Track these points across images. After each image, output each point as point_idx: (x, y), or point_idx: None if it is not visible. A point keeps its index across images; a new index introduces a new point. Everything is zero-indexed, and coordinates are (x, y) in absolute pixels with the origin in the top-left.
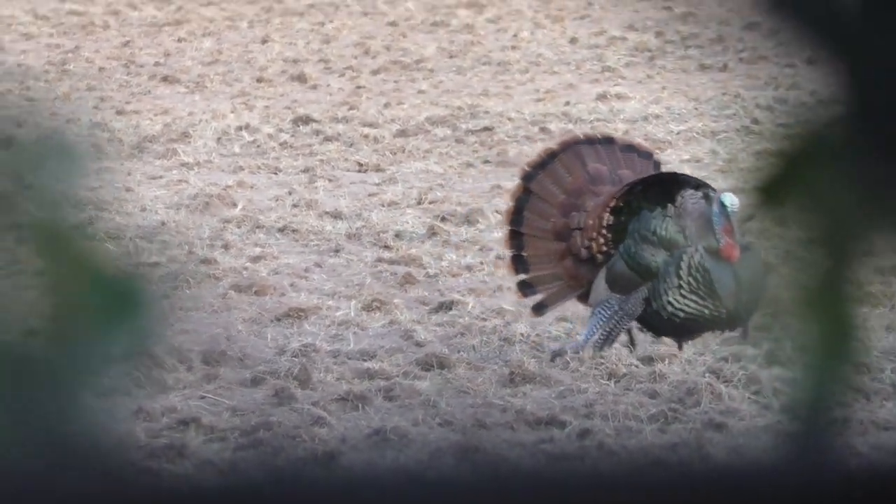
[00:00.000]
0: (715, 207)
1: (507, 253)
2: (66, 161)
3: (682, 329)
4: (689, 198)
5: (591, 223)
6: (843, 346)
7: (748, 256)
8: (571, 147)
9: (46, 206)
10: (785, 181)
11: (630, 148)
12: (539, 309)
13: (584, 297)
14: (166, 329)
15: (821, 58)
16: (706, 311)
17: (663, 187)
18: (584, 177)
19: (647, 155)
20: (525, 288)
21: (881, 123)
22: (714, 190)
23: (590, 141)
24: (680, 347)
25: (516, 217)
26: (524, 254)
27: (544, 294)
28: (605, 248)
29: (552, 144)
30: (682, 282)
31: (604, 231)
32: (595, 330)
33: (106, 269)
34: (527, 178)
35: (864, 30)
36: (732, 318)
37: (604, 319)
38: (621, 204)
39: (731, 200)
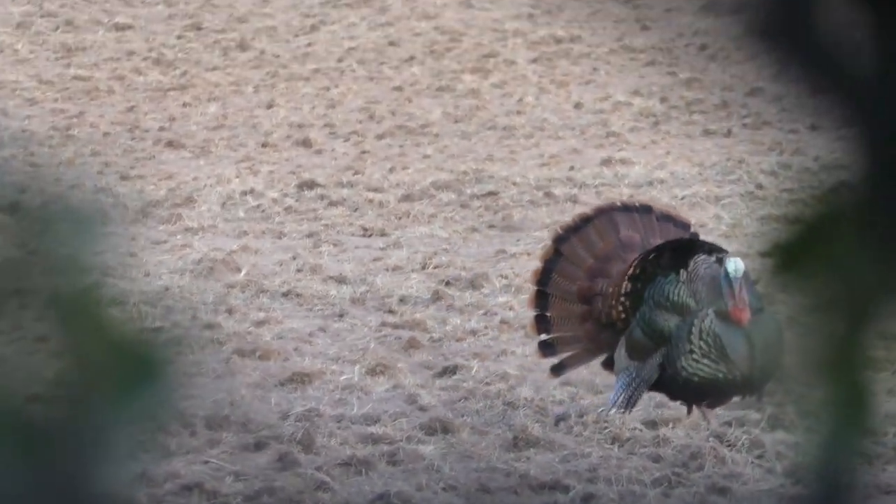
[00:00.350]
0: (722, 272)
1: (532, 313)
2: (77, 227)
3: (700, 393)
4: (702, 263)
5: (612, 290)
6: (855, 412)
7: (762, 320)
8: (606, 213)
9: (55, 273)
10: (797, 247)
11: (667, 217)
12: (558, 370)
13: (608, 365)
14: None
15: (830, 123)
16: (720, 375)
17: (677, 253)
18: (615, 243)
19: (683, 225)
20: (545, 348)
21: (891, 188)
22: (727, 253)
23: (626, 208)
24: (689, 412)
25: (544, 277)
26: (548, 314)
27: (564, 355)
28: (623, 315)
29: (587, 209)
30: (692, 346)
31: (622, 298)
32: (617, 397)
33: (117, 335)
34: (558, 240)
35: (877, 94)
36: (748, 381)
37: (623, 386)
38: (638, 271)
39: (734, 266)
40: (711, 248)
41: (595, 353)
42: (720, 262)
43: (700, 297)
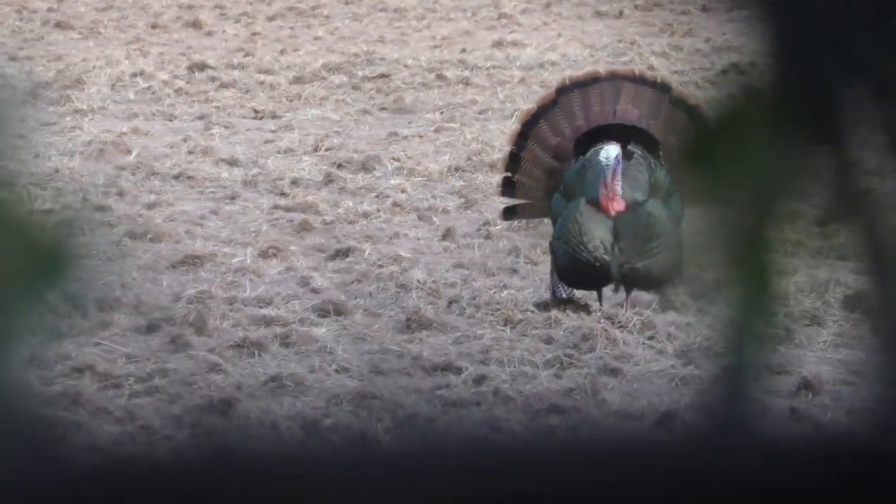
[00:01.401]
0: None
1: (508, 147)
2: None
3: (567, 276)
4: (600, 152)
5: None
6: (758, 295)
7: (637, 210)
8: (617, 80)
9: None
10: (697, 134)
11: (680, 102)
12: (508, 213)
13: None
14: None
15: (722, 4)
16: (581, 261)
17: (596, 137)
18: (609, 111)
19: (697, 115)
20: (507, 186)
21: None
22: (640, 146)
23: (642, 80)
24: (562, 296)
25: (532, 120)
26: (523, 154)
27: (519, 202)
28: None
29: (600, 70)
30: (562, 231)
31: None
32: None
33: (11, 220)
34: (561, 90)
35: None
36: (605, 269)
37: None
38: (576, 147)
39: (605, 155)
40: (644, 139)
41: (543, 214)
42: (627, 152)
43: (586, 184)
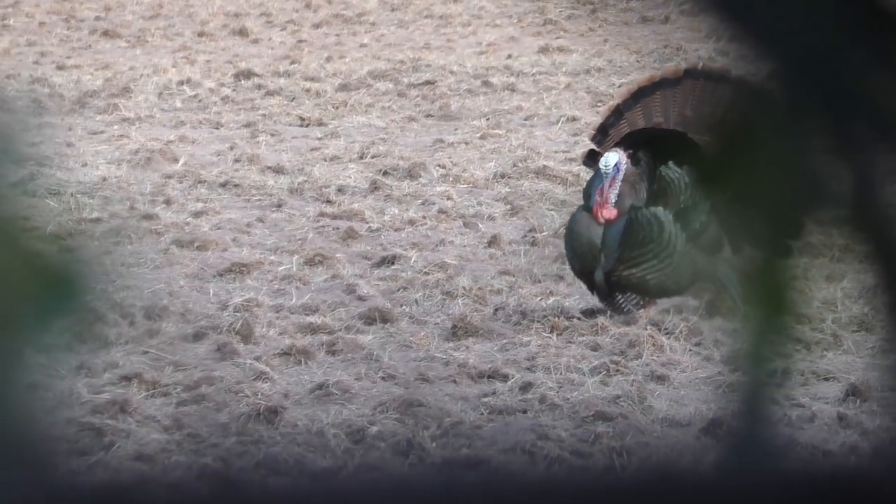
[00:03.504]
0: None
1: (614, 103)
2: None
3: (576, 277)
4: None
5: None
6: (780, 300)
7: (628, 219)
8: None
9: None
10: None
11: None
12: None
13: None
14: (115, 285)
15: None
16: (574, 266)
17: (621, 142)
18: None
19: None
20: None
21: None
22: (647, 153)
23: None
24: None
25: (649, 87)
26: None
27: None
28: None
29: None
30: (564, 238)
31: None
32: None
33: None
34: (689, 73)
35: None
36: (585, 272)
37: None
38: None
39: (604, 162)
40: (643, 141)
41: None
42: (635, 158)
43: (590, 191)
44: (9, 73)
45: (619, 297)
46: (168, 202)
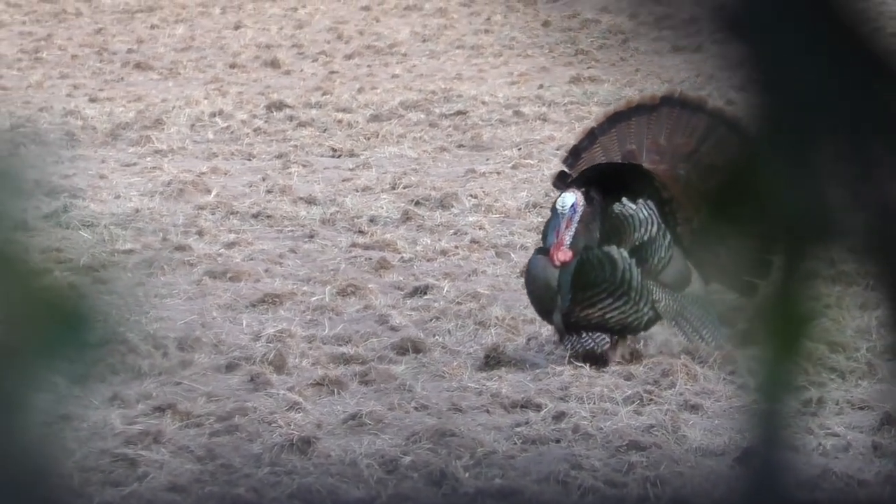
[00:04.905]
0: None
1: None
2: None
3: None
4: (558, 199)
5: None
6: (792, 334)
7: (580, 260)
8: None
9: None
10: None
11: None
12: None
13: None
14: (145, 316)
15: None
16: (531, 304)
17: (577, 179)
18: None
19: None
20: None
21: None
22: (598, 191)
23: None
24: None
25: (624, 112)
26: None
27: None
28: None
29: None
30: (525, 273)
31: None
32: None
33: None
34: (666, 100)
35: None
36: (544, 314)
37: None
38: None
39: (560, 203)
40: (596, 179)
41: None
42: (589, 197)
43: (547, 232)
44: (42, 105)
45: (586, 336)
46: (200, 233)
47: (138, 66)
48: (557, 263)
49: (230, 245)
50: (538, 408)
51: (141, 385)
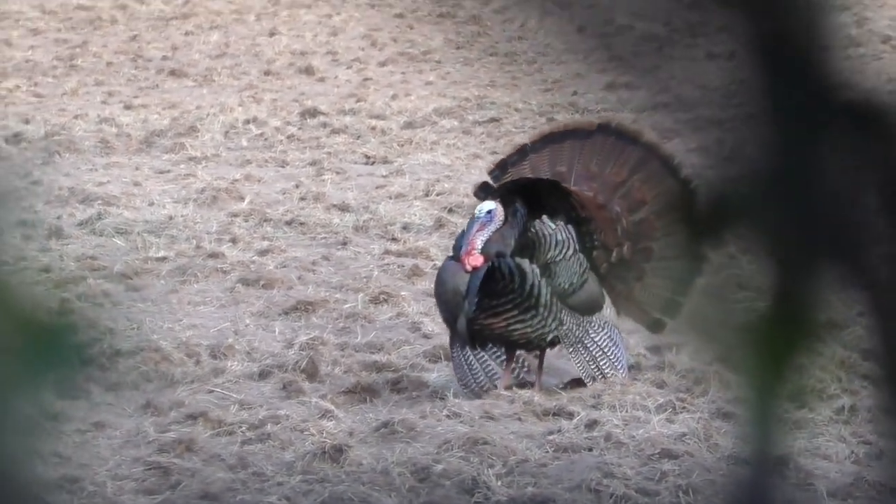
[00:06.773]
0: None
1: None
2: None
3: None
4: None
5: None
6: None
7: (489, 267)
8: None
9: None
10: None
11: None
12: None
13: None
14: (169, 331)
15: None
16: (439, 309)
17: (502, 189)
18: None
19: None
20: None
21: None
22: (524, 205)
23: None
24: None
25: (558, 134)
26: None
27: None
28: None
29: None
30: (435, 278)
31: None
32: None
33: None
34: (602, 128)
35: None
36: (451, 320)
37: None
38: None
39: (479, 208)
40: (519, 192)
41: None
42: (514, 210)
43: (464, 236)
44: (77, 112)
45: (491, 347)
46: (234, 241)
47: (173, 73)
48: (468, 268)
49: (263, 252)
50: (570, 416)
51: (174, 393)
